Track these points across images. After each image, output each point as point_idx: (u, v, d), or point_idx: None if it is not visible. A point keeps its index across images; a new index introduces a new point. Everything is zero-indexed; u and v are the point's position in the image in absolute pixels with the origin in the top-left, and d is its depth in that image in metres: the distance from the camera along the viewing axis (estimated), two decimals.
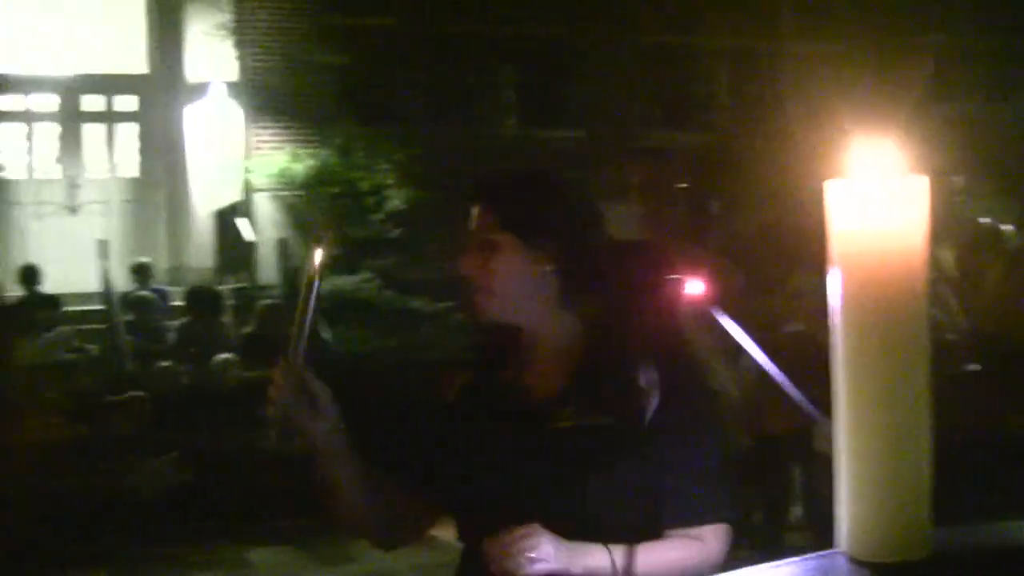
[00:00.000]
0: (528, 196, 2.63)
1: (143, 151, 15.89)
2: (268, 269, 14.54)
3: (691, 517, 2.48)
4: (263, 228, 14.87)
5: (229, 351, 11.05)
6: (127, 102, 15.86)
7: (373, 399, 8.42)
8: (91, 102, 15.75)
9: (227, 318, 12.83)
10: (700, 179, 10.32)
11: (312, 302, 2.56)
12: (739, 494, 2.73)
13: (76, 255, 14.60)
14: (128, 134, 15.97)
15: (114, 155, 15.89)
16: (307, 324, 2.62)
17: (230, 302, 13.39)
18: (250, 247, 14.26)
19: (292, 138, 15.34)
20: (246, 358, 10.80)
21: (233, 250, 14.66)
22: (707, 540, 2.48)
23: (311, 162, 14.89)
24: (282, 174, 15.00)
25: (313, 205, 14.85)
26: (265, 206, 15.18)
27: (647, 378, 2.45)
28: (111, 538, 8.98)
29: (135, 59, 15.72)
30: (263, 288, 14.04)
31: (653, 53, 15.74)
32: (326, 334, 12.21)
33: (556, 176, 2.70)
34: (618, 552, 2.34)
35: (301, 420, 2.59)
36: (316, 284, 2.55)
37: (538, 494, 2.48)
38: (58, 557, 8.56)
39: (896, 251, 1.46)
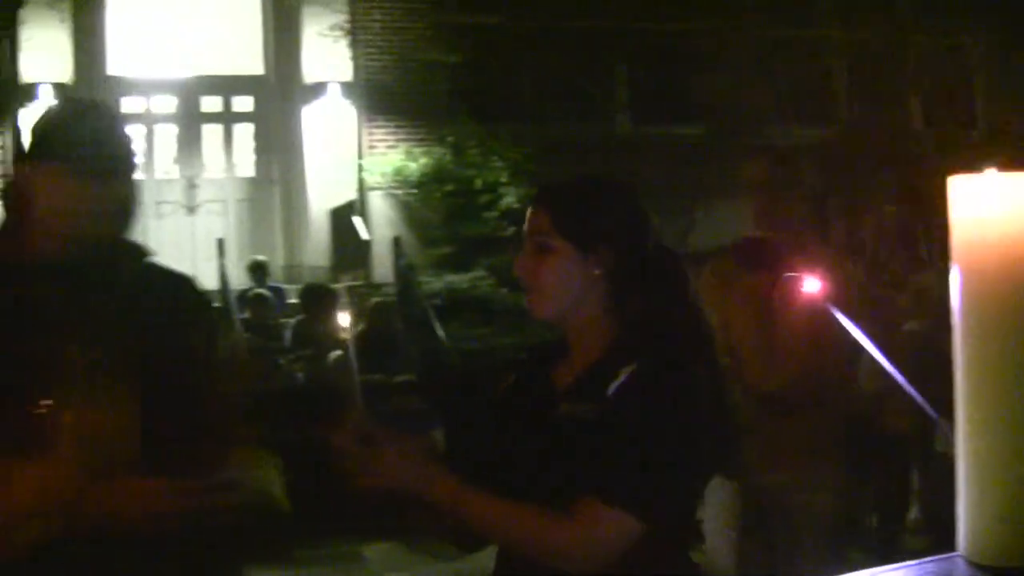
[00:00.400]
0: (584, 203, 2.67)
1: (259, 151, 16.10)
2: (382, 267, 14.63)
3: (575, 490, 2.43)
4: (377, 226, 14.97)
5: (342, 349, 11.11)
6: (244, 103, 16.09)
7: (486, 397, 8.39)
8: (209, 103, 16.00)
9: (340, 316, 12.93)
10: (820, 175, 10.17)
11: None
12: (682, 500, 2.60)
13: (194, 253, 14.85)
14: (244, 134, 16.21)
15: (231, 155, 16.14)
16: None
17: (345, 300, 13.48)
18: (364, 245, 14.35)
19: (406, 137, 15.43)
20: (358, 356, 10.84)
21: (348, 248, 14.76)
22: (578, 518, 2.41)
23: (425, 160, 14.95)
24: (396, 173, 15.09)
25: (427, 203, 14.92)
26: (379, 204, 15.28)
27: (625, 360, 2.51)
28: None
29: (252, 60, 15.95)
30: (377, 286, 14.13)
31: (772, 47, 15.51)
32: (440, 332, 12.26)
33: (613, 183, 2.76)
34: (451, 490, 2.46)
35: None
36: None
37: (512, 468, 2.59)
38: None
39: (1020, 248, 1.42)
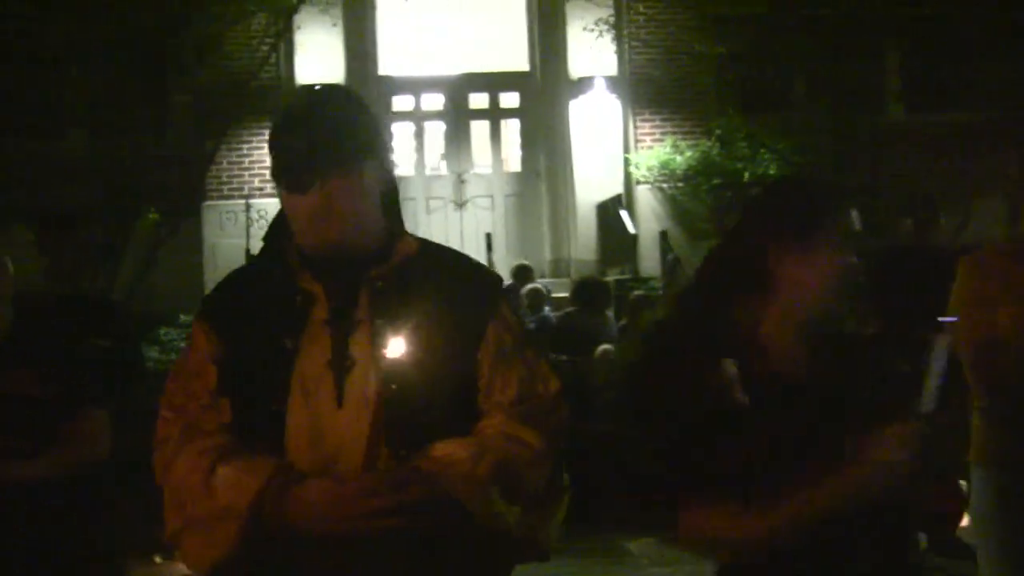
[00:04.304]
0: (799, 205, 2.58)
1: (525, 146, 16.23)
2: (649, 261, 14.54)
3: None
4: (644, 220, 14.89)
5: (610, 343, 11.08)
6: (510, 99, 16.24)
7: None
8: (476, 100, 16.21)
9: (610, 310, 12.89)
10: None
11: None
12: None
13: (463, 248, 15.02)
14: (511, 130, 16.36)
15: (498, 151, 16.31)
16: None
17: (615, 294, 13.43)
18: (631, 239, 14.29)
19: (672, 130, 15.32)
20: (620, 349, 10.83)
21: (614, 242, 14.74)
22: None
23: (692, 153, 14.81)
24: (663, 166, 14.99)
25: (694, 197, 14.76)
26: (646, 198, 15.21)
27: None
28: None
29: (518, 57, 16.08)
30: (644, 280, 14.04)
31: None
32: None
33: (833, 184, 2.71)
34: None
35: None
36: None
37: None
38: None
39: None
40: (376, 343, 2.44)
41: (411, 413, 2.41)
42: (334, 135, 2.48)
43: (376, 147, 2.55)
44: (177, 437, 2.52)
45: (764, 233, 2.56)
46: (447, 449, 2.38)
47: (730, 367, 2.42)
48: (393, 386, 2.41)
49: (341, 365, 2.43)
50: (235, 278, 2.73)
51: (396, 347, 2.43)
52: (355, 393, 2.42)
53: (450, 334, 2.47)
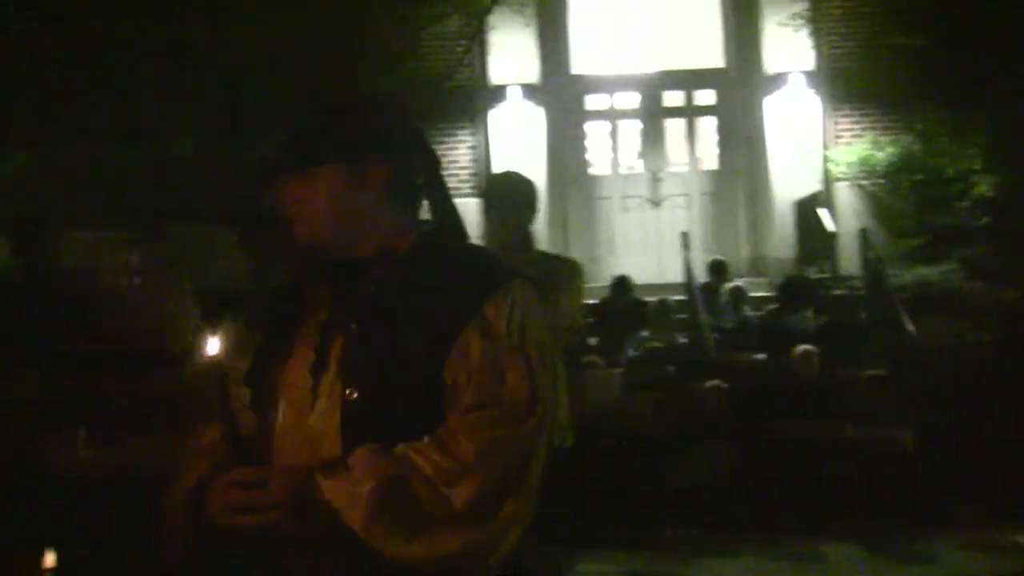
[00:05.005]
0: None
1: (721, 144, 16.09)
2: (848, 260, 14.26)
3: None
4: (843, 218, 14.62)
5: (808, 342, 10.91)
6: (706, 96, 16.12)
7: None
8: (671, 98, 16.13)
9: (810, 309, 12.70)
10: None
11: None
12: None
13: (660, 246, 15.05)
14: (706, 127, 16.23)
15: (694, 149, 16.20)
16: None
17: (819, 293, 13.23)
18: (830, 237, 14.05)
19: (872, 125, 15.01)
20: (825, 350, 10.67)
21: (813, 240, 14.51)
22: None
23: (892, 149, 14.49)
24: (862, 162, 14.70)
25: (895, 194, 14.43)
26: (845, 195, 14.92)
27: None
28: (665, 523, 9.15)
29: (712, 54, 15.95)
30: (844, 279, 13.82)
31: None
32: (910, 326, 11.81)
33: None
34: None
35: None
36: None
37: None
38: (610, 541, 8.80)
39: None
40: (346, 348, 2.42)
41: (370, 420, 2.35)
42: (296, 138, 2.50)
43: (359, 146, 2.49)
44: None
45: None
46: (354, 456, 2.32)
47: None
48: (352, 393, 2.38)
49: (316, 369, 2.43)
50: (278, 285, 2.77)
51: (360, 353, 2.40)
52: (324, 398, 2.41)
53: (419, 339, 2.38)
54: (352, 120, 2.52)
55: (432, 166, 2.58)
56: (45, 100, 12.94)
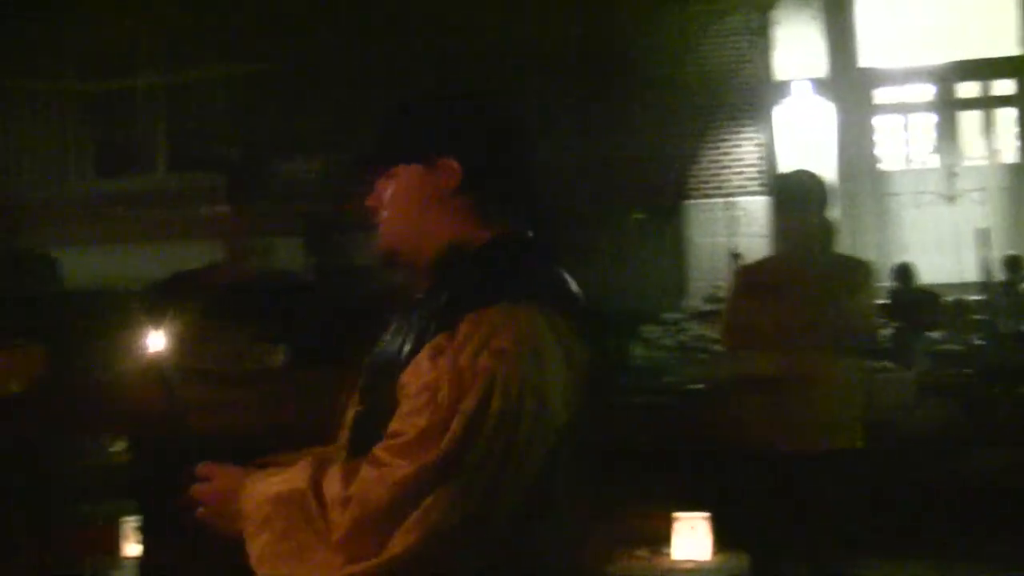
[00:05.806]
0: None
1: (1022, 136, 15.42)
2: None
3: None
4: None
5: None
6: (1004, 86, 15.50)
7: None
8: (965, 89, 15.57)
9: None
10: None
11: None
12: None
13: (956, 243, 14.51)
14: (1006, 119, 15.60)
15: (992, 141, 15.59)
16: None
17: None
18: None
19: None
20: None
21: None
22: None
23: None
24: None
25: None
26: None
27: None
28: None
29: (1009, 41, 15.30)
30: None
31: None
32: None
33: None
34: None
35: None
36: None
37: None
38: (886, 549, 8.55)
39: None
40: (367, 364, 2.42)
41: (369, 433, 2.24)
42: (382, 137, 2.47)
43: (427, 146, 2.39)
44: None
45: None
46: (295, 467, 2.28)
47: None
48: (359, 407, 2.39)
49: (356, 384, 2.43)
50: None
51: (371, 362, 2.39)
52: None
53: (399, 349, 2.28)
54: (426, 120, 2.45)
55: (518, 171, 2.45)
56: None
